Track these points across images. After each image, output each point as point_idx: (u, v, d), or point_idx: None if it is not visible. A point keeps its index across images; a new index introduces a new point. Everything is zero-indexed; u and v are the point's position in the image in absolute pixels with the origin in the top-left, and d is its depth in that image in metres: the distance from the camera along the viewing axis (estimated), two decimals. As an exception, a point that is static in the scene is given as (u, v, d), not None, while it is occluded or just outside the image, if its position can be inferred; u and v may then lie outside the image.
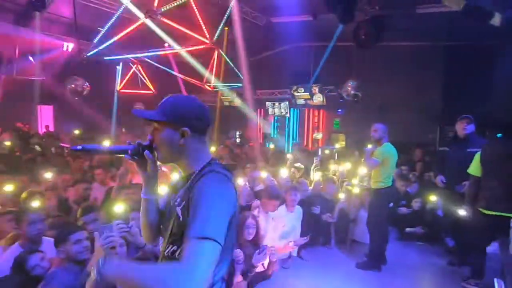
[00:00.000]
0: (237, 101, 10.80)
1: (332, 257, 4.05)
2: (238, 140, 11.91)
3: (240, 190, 3.60)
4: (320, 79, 9.59)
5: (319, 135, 11.20)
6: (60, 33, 8.66)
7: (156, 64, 9.26)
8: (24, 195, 3.23)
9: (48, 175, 3.98)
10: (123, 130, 12.09)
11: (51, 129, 10.40)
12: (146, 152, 1.17)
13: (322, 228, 4.14)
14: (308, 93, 9.67)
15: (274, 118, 11.99)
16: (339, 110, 10.41)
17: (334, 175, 5.00)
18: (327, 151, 9.08)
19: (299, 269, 3.64)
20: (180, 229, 1.04)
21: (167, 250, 1.10)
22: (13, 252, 2.27)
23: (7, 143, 7.12)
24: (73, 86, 8.40)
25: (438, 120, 8.75)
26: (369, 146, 3.78)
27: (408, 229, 4.59)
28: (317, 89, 9.53)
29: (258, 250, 2.58)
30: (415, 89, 8.81)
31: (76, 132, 9.75)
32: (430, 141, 8.78)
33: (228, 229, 0.99)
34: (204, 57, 9.17)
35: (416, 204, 4.72)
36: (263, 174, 4.42)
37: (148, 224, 1.26)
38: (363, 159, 3.80)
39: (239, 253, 2.48)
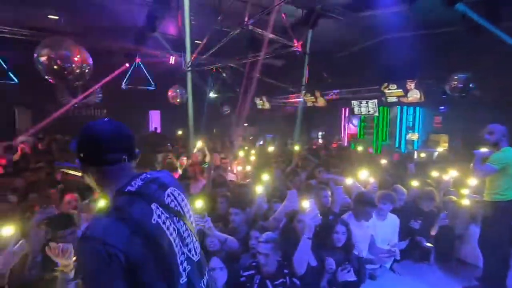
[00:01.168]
0: (321, 101, 10.60)
1: (430, 275, 3.60)
2: (320, 141, 11.67)
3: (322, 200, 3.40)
4: (416, 73, 8.56)
5: (414, 136, 10.01)
6: (167, 48, 10.13)
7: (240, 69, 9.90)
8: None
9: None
10: (214, 131, 13.38)
11: (159, 130, 12.27)
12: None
13: (419, 242, 3.72)
14: (401, 90, 8.76)
15: (361, 117, 11.29)
16: (442, 107, 9.10)
17: (435, 185, 4.38)
18: (423, 155, 8.07)
19: (391, 283, 3.37)
20: None
21: None
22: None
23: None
24: (173, 93, 9.74)
25: None
26: (484, 149, 3.21)
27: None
28: (412, 85, 8.53)
29: (341, 267, 2.49)
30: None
31: (179, 132, 11.24)
32: None
33: (134, 272, 0.97)
34: (289, 59, 9.34)
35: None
36: (349, 180, 4.15)
37: None
38: (471, 165, 3.23)
39: (331, 263, 2.45)
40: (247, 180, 4.57)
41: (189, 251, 1.18)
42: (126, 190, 1.09)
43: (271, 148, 8.04)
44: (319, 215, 2.25)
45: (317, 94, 10.60)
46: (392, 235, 3.43)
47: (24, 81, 8.53)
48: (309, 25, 7.08)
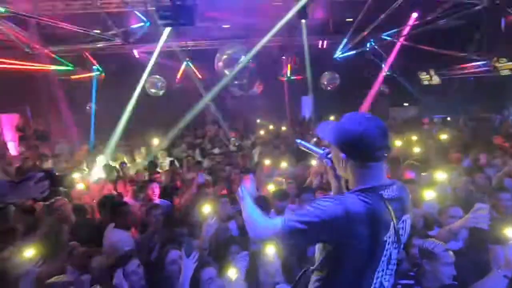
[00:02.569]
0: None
1: None
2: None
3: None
4: None
5: None
6: (315, 33, 10.10)
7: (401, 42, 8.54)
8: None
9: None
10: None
11: (310, 116, 12.61)
12: (326, 160, 1.36)
13: None
14: None
15: None
16: None
17: None
18: None
19: None
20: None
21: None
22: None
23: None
24: (324, 79, 9.74)
25: None
26: None
27: None
28: None
29: None
30: None
31: (331, 118, 11.20)
32: None
33: (332, 233, 1.09)
34: (468, 17, 7.24)
35: None
36: None
37: None
38: None
39: None
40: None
41: (386, 274, 1.20)
42: (380, 192, 1.13)
43: (444, 136, 6.49)
44: None
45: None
46: None
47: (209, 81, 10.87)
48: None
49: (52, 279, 1.76)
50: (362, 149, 1.13)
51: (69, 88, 9.44)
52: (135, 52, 9.18)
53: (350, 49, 8.57)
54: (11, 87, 8.63)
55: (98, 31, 5.82)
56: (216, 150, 6.89)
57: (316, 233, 1.11)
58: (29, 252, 1.86)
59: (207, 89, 11.24)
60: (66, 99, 9.85)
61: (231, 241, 2.65)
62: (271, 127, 10.08)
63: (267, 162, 5.08)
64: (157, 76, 9.38)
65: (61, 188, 3.40)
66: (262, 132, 8.80)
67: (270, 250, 2.05)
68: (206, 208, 2.57)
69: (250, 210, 1.26)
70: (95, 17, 5.56)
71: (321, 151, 1.40)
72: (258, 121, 11.90)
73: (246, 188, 1.34)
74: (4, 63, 6.82)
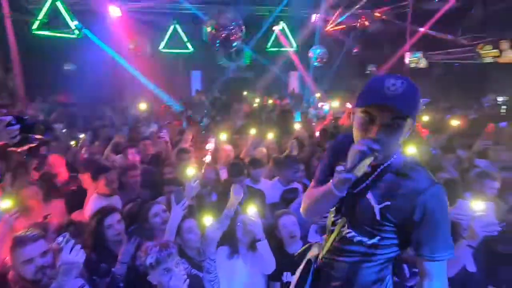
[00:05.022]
0: (508, 56, 7.84)
1: None
2: (503, 110, 8.72)
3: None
4: None
5: None
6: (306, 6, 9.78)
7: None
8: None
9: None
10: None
11: (297, 91, 12.58)
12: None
13: None
14: None
15: None
16: None
17: None
18: None
19: None
20: (373, 225, 1.15)
21: (345, 232, 1.22)
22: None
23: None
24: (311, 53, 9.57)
25: None
26: None
27: None
28: None
29: None
30: None
31: (318, 95, 11.20)
32: None
33: None
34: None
35: None
36: None
37: (324, 210, 1.33)
38: None
39: None
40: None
41: None
42: (416, 164, 1.18)
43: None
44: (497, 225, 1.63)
45: (504, 45, 7.89)
46: None
47: (196, 49, 10.41)
48: None
49: (21, 232, 1.67)
50: None
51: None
52: (114, 10, 8.26)
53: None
54: None
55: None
56: (199, 119, 6.83)
57: None
58: (6, 203, 1.84)
59: (196, 58, 10.80)
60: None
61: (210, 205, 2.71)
62: (257, 100, 9.99)
63: (252, 131, 5.01)
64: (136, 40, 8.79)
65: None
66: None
67: (252, 210, 2.06)
68: (190, 170, 2.59)
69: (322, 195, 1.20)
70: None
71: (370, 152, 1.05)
72: (244, 93, 11.72)
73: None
74: None
